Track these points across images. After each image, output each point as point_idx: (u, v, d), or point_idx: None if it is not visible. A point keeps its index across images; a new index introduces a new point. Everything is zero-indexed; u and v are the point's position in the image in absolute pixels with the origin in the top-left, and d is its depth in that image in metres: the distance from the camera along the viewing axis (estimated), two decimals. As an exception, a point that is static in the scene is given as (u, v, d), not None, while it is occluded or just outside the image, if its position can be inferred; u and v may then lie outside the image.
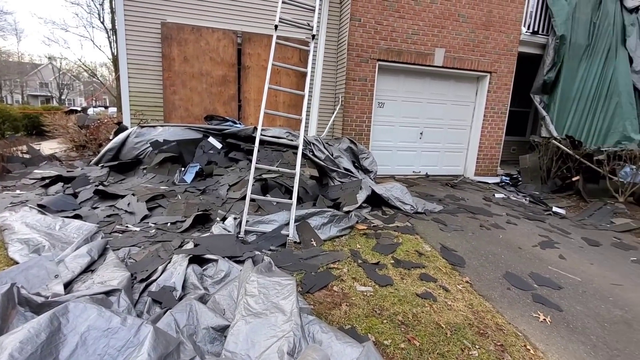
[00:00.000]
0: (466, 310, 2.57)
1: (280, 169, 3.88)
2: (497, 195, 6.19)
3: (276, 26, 3.94)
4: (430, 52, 6.63)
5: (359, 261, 3.16)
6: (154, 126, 5.14)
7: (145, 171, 4.71)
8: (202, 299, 2.08)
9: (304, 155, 4.53)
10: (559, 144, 6.08)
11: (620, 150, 5.48)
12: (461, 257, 3.51)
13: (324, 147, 5.09)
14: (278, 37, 3.98)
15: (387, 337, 2.17)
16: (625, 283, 3.30)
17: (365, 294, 2.65)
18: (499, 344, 2.23)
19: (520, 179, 6.78)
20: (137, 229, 3.32)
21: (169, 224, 3.44)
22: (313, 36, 4.07)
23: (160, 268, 2.44)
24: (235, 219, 3.47)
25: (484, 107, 7.34)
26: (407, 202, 4.67)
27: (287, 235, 3.31)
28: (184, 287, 2.27)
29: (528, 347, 2.23)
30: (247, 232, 3.31)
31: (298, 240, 3.40)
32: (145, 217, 3.54)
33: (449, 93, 7.29)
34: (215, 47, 6.17)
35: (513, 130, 9.01)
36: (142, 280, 2.34)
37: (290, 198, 3.52)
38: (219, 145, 5.07)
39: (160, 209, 3.77)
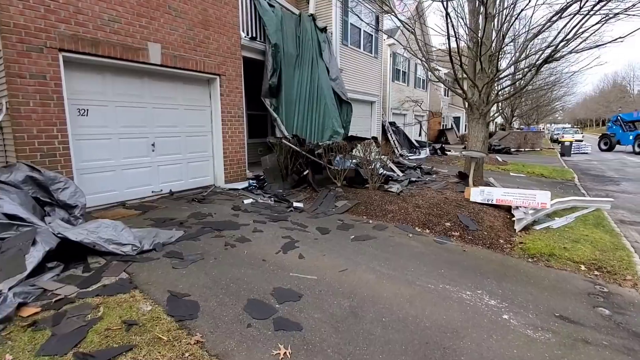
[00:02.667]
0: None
1: None
2: (245, 202, 5.98)
3: None
4: (142, 47, 5.47)
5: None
6: None
7: None
8: None
9: None
10: (287, 143, 6.56)
11: (331, 143, 6.46)
12: (195, 302, 2.72)
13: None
14: None
15: None
16: (349, 266, 3.56)
17: None
18: None
19: (265, 179, 6.94)
20: None
21: None
22: None
23: None
24: None
25: (220, 111, 7.00)
26: (125, 241, 3.44)
27: None
28: None
29: None
30: None
31: None
32: None
33: (178, 97, 6.43)
34: None
35: (257, 133, 9.39)
36: None
37: None
38: None
39: None
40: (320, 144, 6.52)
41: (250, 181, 7.02)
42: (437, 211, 5.41)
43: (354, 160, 6.99)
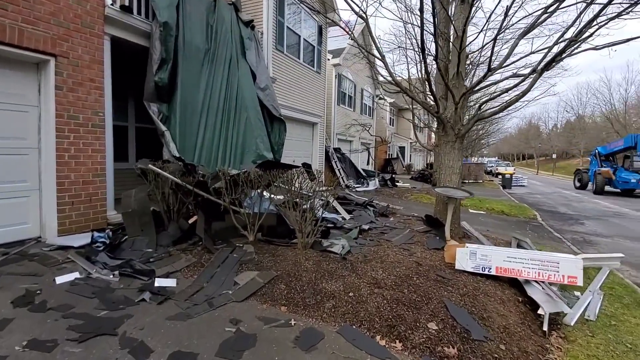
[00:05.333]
0: None
1: None
2: (60, 280, 3.15)
3: None
4: None
5: None
6: None
7: None
8: None
9: None
10: (157, 170, 3.94)
11: (243, 172, 3.97)
12: None
13: None
14: None
15: None
16: None
17: None
18: None
19: (126, 230, 4.14)
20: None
21: None
22: None
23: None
24: None
25: (54, 114, 4.19)
26: None
27: None
28: None
29: None
30: None
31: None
32: None
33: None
34: None
35: (144, 153, 6.52)
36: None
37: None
38: None
39: None
40: (222, 174, 3.97)
41: (99, 234, 4.13)
42: (409, 294, 3.12)
43: (279, 197, 4.54)
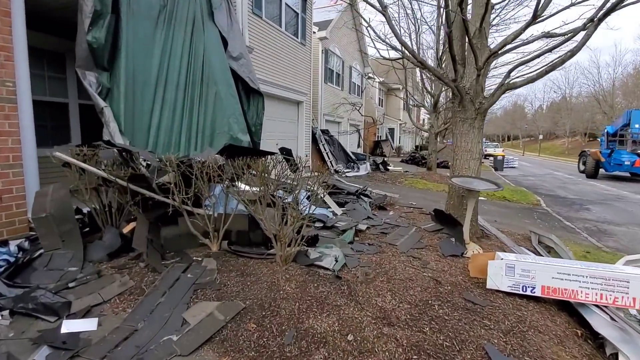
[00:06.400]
0: None
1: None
2: None
3: None
4: None
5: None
6: None
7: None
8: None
9: None
10: (70, 159, 2.84)
11: (187, 162, 2.90)
12: None
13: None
14: None
15: None
16: None
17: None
18: None
19: (40, 241, 3.04)
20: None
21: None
22: None
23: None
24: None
25: None
26: None
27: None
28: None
29: None
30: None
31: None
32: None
33: None
34: None
35: (93, 135, 5.31)
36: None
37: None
38: None
39: None
40: (167, 163, 2.87)
41: (0, 249, 3.03)
42: (433, 335, 2.20)
43: (252, 190, 3.50)
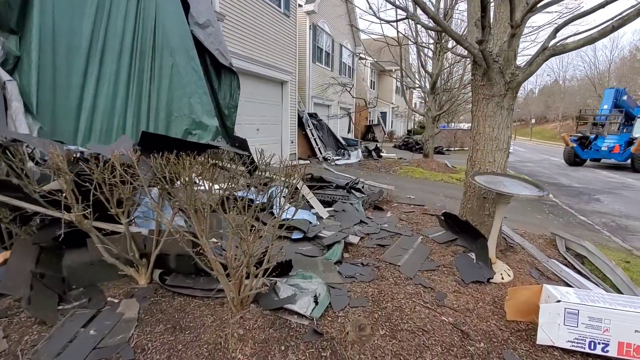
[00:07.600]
0: None
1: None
2: None
3: None
4: None
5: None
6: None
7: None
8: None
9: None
10: None
11: (83, 157, 1.91)
12: None
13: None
14: None
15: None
16: None
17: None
18: None
19: None
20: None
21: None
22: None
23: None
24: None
25: None
26: None
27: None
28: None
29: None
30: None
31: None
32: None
33: None
34: None
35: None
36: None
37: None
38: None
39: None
40: (56, 161, 1.90)
41: None
42: None
43: (217, 187, 2.53)
